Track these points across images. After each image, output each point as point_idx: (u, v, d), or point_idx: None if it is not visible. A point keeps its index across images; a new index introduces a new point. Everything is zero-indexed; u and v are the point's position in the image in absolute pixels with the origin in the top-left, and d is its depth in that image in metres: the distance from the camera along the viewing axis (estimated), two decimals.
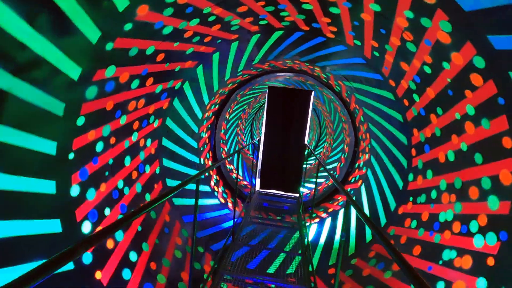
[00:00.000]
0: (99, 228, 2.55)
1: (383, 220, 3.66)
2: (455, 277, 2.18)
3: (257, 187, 7.31)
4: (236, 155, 7.57)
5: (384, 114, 3.98)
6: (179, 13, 2.32)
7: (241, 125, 9.49)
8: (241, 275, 3.18)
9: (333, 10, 2.65)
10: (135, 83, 2.64)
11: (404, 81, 2.98)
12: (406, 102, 3.17)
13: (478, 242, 2.09)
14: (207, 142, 5.76)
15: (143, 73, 2.67)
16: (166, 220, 3.62)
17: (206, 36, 3.02)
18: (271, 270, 3.46)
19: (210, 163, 5.82)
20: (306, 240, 3.63)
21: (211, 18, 2.66)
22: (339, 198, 5.60)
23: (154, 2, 2.05)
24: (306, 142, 7.38)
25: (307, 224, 3.93)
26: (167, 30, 2.44)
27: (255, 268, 3.44)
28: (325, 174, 7.38)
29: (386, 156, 4.12)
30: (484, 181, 2.13)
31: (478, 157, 2.19)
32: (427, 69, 2.45)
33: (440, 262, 2.40)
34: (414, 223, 3.01)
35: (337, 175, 6.24)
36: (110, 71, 2.20)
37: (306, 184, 7.84)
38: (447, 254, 2.36)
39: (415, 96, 2.90)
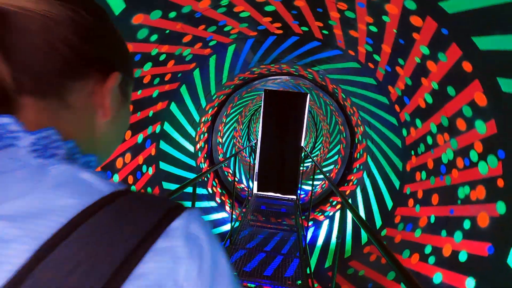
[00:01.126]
0: None
1: (396, 182, 3.63)
2: (476, 211, 2.15)
3: (255, 190, 7.25)
4: (236, 168, 7.59)
5: (359, 83, 4.03)
6: None
7: (237, 143, 9.56)
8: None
9: (268, 8, 2.75)
10: None
11: (361, 47, 3.04)
12: (371, 65, 3.22)
13: (483, 169, 2.07)
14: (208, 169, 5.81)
15: None
16: None
17: (165, 75, 3.14)
18: (268, 273, 3.39)
19: (218, 189, 5.85)
20: (304, 242, 3.60)
21: (162, 57, 2.78)
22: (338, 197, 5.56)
23: None
24: (302, 144, 7.35)
25: (305, 226, 3.90)
26: None
27: (251, 271, 3.39)
28: (325, 170, 7.35)
29: (377, 122, 4.13)
30: (465, 109, 2.14)
31: (451, 90, 2.21)
32: (373, 29, 2.52)
33: (459, 201, 2.37)
34: (423, 175, 2.98)
35: (342, 155, 6.23)
36: None
37: (304, 186, 7.77)
38: (462, 192, 2.33)
39: (376, 57, 2.95)
